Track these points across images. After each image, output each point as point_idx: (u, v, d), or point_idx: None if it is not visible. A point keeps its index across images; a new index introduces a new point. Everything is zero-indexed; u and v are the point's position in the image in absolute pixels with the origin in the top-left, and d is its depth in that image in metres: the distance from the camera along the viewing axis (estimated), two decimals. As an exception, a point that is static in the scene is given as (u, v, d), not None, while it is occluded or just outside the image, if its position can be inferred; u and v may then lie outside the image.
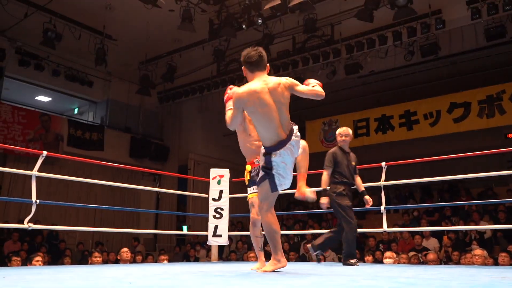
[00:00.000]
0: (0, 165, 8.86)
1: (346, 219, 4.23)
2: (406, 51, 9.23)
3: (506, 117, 9.67)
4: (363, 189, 4.50)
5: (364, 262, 6.60)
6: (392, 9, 7.71)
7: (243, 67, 2.88)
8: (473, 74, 10.65)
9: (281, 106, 2.73)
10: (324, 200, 4.27)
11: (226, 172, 5.29)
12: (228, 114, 3.00)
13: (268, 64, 2.89)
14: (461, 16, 8.18)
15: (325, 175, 4.38)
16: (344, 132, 4.50)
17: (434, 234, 7.52)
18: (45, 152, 4.18)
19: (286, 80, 2.82)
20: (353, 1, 8.39)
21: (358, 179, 4.51)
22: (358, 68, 9.57)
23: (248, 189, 3.49)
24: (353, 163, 4.45)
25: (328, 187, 4.34)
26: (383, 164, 4.84)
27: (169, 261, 7.03)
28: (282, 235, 9.37)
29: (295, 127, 2.78)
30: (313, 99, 2.91)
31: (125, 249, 6.30)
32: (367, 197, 4.42)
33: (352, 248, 4.27)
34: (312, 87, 2.92)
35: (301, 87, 2.86)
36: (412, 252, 6.78)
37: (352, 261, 4.20)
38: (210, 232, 5.05)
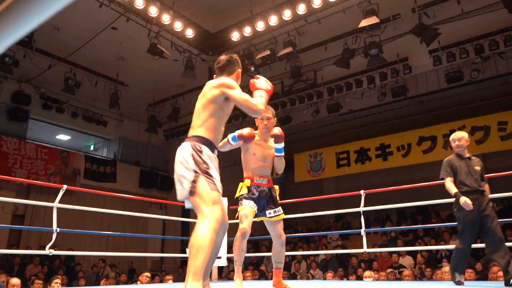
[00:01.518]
0: (24, 197, 8.79)
1: (458, 234, 3.56)
2: (379, 93, 9.43)
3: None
4: (489, 195, 3.66)
5: (348, 279, 6.52)
6: (366, 57, 7.91)
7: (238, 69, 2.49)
8: (437, 111, 10.85)
9: (199, 106, 2.31)
10: (462, 200, 3.38)
11: (224, 200, 5.27)
12: (261, 100, 2.33)
13: (239, 70, 2.46)
14: (425, 62, 8.40)
15: (448, 182, 3.57)
16: (455, 137, 3.69)
17: (409, 252, 7.48)
18: (65, 186, 4.18)
19: (218, 80, 2.33)
20: (332, 51, 8.61)
21: (486, 187, 3.63)
22: (338, 107, 9.72)
23: (241, 202, 3.24)
24: (477, 168, 3.57)
25: (458, 191, 3.49)
26: (362, 192, 4.86)
27: (174, 281, 6.91)
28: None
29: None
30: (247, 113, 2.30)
31: (147, 274, 6.21)
32: (491, 203, 3.58)
33: (454, 266, 3.51)
34: (258, 96, 2.37)
35: (234, 93, 2.24)
36: (390, 269, 6.72)
37: (456, 279, 3.45)
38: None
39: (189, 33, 8.09)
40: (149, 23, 7.89)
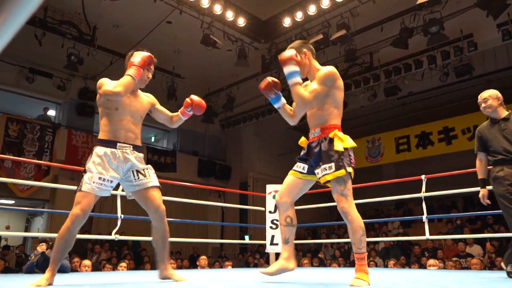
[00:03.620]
0: (92, 187, 9.37)
1: (504, 210, 2.89)
2: (441, 73, 8.90)
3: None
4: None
5: (410, 268, 6.30)
6: (425, 36, 7.49)
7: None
8: (508, 90, 10.05)
9: None
10: (480, 193, 3.13)
11: (280, 187, 5.28)
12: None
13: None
14: (492, 38, 7.80)
15: (477, 163, 3.14)
16: (480, 98, 3.15)
17: (478, 241, 7.06)
18: (127, 175, 4.38)
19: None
20: (388, 31, 8.24)
21: None
22: (397, 90, 9.32)
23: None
24: None
25: (484, 176, 3.12)
26: (423, 177, 4.64)
27: (233, 266, 7.05)
28: (335, 243, 9.18)
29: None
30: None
31: (203, 257, 6.43)
32: None
33: (506, 257, 2.88)
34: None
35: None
36: (456, 258, 6.39)
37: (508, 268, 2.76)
38: (268, 241, 5.04)
39: (241, 21, 8.11)
40: (201, 15, 8.01)
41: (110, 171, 2.37)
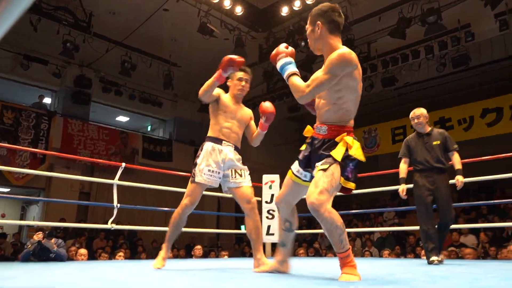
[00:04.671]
0: (88, 176, 9.35)
1: (417, 208, 3.58)
2: (438, 63, 8.89)
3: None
4: (458, 167, 3.58)
5: (405, 257, 6.36)
6: (423, 26, 7.45)
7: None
8: (504, 81, 10.06)
9: None
10: (400, 188, 3.74)
11: (276, 177, 5.29)
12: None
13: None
14: (489, 28, 7.78)
15: (401, 164, 3.76)
16: (414, 114, 3.76)
17: (472, 231, 7.13)
18: (123, 164, 4.38)
19: None
20: (386, 21, 8.19)
21: (454, 157, 3.60)
22: (394, 81, 9.31)
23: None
24: (436, 143, 3.56)
25: (405, 176, 3.72)
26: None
27: (229, 256, 7.09)
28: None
29: None
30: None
31: (198, 246, 6.46)
32: (457, 177, 3.53)
33: (424, 245, 3.48)
34: None
35: None
36: (451, 248, 6.45)
37: (430, 258, 3.32)
38: (264, 231, 5.05)
39: (238, 10, 8.04)
40: (198, 3, 7.93)
41: (216, 164, 2.68)
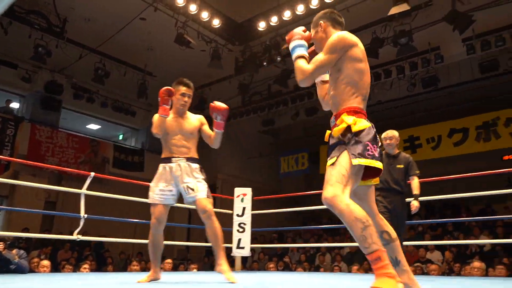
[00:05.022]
0: (56, 184, 9.06)
1: None
2: (409, 83, 9.17)
3: (501, 141, 9.45)
4: (416, 192, 3.78)
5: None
6: (395, 46, 7.69)
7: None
8: (470, 102, 10.47)
9: None
10: None
11: (248, 191, 5.29)
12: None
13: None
14: (457, 51, 8.10)
15: None
16: (387, 135, 3.94)
17: (438, 248, 7.30)
18: (92, 173, 4.28)
19: None
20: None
21: (413, 182, 3.81)
22: (366, 99, 9.53)
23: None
24: (400, 166, 3.77)
25: None
26: (388, 184, 4.74)
27: (198, 269, 7.00)
28: (301, 248, 9.25)
29: None
30: None
31: (169, 260, 6.34)
32: (413, 202, 3.74)
33: None
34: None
35: None
36: (417, 263, 6.58)
37: None
38: (234, 245, 5.02)
39: (216, 22, 8.08)
40: (176, 13, 7.91)
41: (167, 182, 2.87)
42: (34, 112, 9.82)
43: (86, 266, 5.29)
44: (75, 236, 4.06)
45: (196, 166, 2.93)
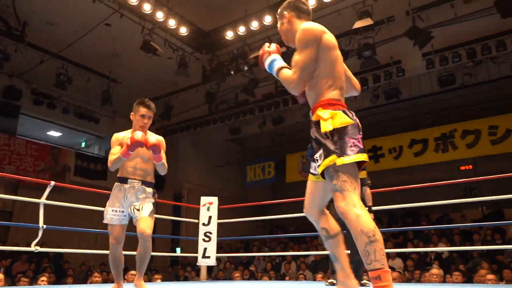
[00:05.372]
0: (12, 193, 8.67)
1: None
2: (372, 95, 9.46)
3: (458, 152, 9.89)
4: (369, 204, 3.89)
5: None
6: (359, 59, 7.92)
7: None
8: (430, 114, 10.90)
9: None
10: None
11: (215, 199, 5.26)
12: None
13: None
14: (418, 65, 8.43)
15: None
16: None
17: (399, 255, 7.50)
18: (52, 182, 4.14)
19: None
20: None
21: (365, 193, 3.89)
22: (331, 109, 9.72)
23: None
24: None
25: None
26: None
27: (162, 280, 6.86)
28: (266, 256, 9.26)
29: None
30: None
31: (133, 272, 6.16)
32: None
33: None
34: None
35: None
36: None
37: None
38: (200, 254, 4.97)
39: (183, 31, 8.05)
40: (142, 20, 7.83)
41: (119, 203, 2.87)
42: (-10, 117, 9.39)
43: (44, 278, 5.07)
44: (33, 248, 3.90)
45: (150, 190, 2.94)
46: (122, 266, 2.95)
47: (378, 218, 11.29)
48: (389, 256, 7.37)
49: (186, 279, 8.66)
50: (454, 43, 7.87)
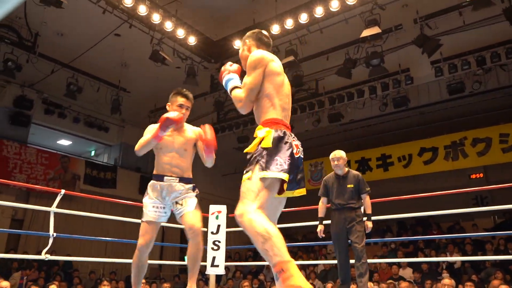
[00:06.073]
0: (23, 202, 8.76)
1: (334, 247, 3.92)
2: (381, 103, 9.42)
3: (468, 160, 9.79)
4: (368, 212, 3.88)
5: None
6: (367, 67, 7.92)
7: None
8: (439, 122, 10.83)
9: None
10: (318, 228, 3.98)
11: (223, 208, 5.26)
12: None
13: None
14: (426, 73, 8.41)
15: (320, 204, 4.05)
16: (334, 156, 4.03)
17: (410, 264, 7.41)
18: (63, 191, 4.17)
19: None
20: (334, 61, 8.62)
21: (365, 201, 3.90)
22: (340, 117, 9.71)
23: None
24: (350, 186, 3.86)
25: (323, 215, 4.01)
26: (361, 201, 4.82)
27: (172, 289, 6.85)
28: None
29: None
30: None
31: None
32: (367, 222, 3.82)
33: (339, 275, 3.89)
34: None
35: None
36: (390, 280, 6.65)
37: None
38: (208, 263, 4.96)
39: (192, 40, 8.13)
40: (152, 30, 7.93)
41: (159, 199, 2.69)
42: (2, 127, 9.53)
43: (53, 286, 5.10)
44: (43, 256, 3.92)
45: (189, 186, 2.77)
46: (144, 273, 2.78)
47: (388, 227, 11.20)
48: (399, 265, 7.28)
49: (194, 288, 8.63)
50: (463, 50, 7.84)
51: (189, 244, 2.61)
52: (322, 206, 4.00)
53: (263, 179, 1.71)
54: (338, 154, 4.02)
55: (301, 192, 1.91)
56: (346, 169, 4.04)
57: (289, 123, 1.93)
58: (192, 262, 2.62)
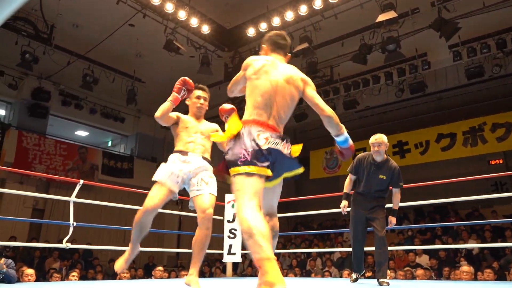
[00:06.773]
0: (43, 192, 8.96)
1: (350, 232, 3.64)
2: (397, 89, 9.29)
3: (487, 146, 9.61)
4: (394, 208, 3.62)
5: (364, 277, 6.45)
6: (383, 53, 7.79)
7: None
8: (457, 108, 10.63)
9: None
10: (341, 204, 3.67)
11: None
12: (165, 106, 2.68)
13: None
14: (444, 58, 8.24)
15: (347, 180, 3.74)
16: (374, 141, 3.58)
17: (426, 251, 7.36)
18: (81, 181, 4.24)
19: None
20: (349, 47, 8.50)
21: (394, 196, 3.61)
22: (355, 104, 9.61)
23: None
24: (382, 177, 3.49)
25: (348, 191, 3.71)
26: (378, 189, 4.78)
27: (190, 276, 6.95)
28: (290, 253, 9.26)
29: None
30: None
31: (160, 268, 6.29)
32: (390, 217, 3.56)
33: (352, 263, 3.68)
34: None
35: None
36: (407, 268, 6.62)
37: (352, 278, 3.70)
38: (225, 251, 5.01)
39: (205, 29, 8.10)
40: (165, 20, 7.93)
41: (177, 169, 2.64)
42: (21, 119, 9.72)
43: (74, 274, 5.22)
44: (64, 245, 4.02)
45: (211, 167, 2.77)
46: (145, 234, 2.67)
47: (405, 214, 11.12)
48: (416, 253, 7.24)
49: (211, 275, 8.75)
50: (483, 33, 7.64)
51: (198, 229, 2.56)
52: (349, 182, 3.70)
53: (240, 175, 1.77)
54: (380, 139, 3.55)
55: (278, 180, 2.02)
56: (386, 156, 3.61)
57: (273, 116, 1.97)
58: (199, 248, 2.55)
